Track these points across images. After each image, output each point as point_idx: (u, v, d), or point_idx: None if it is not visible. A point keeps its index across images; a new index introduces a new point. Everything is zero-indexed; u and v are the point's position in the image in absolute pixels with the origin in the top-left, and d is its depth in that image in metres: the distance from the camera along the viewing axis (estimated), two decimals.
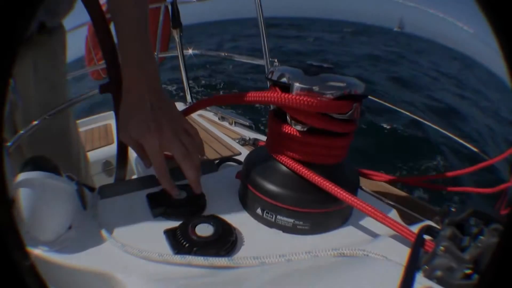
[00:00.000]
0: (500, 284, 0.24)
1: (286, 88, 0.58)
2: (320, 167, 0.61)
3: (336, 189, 0.57)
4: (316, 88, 0.55)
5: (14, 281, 0.26)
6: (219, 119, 1.97)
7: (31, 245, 0.55)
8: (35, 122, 1.11)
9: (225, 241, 0.55)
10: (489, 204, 0.53)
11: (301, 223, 0.60)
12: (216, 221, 0.59)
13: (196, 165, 0.65)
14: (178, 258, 0.51)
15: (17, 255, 0.27)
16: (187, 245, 0.54)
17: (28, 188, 0.51)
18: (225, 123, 1.91)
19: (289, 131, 0.60)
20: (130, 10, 0.67)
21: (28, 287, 0.27)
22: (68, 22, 1.30)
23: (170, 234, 0.57)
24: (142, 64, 0.67)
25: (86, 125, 2.10)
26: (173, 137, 0.64)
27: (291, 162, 0.61)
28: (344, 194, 0.56)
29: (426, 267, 0.45)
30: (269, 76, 0.61)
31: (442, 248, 0.45)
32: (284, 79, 0.58)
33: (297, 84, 0.56)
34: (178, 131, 0.66)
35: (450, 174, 0.99)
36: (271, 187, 0.61)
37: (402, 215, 0.88)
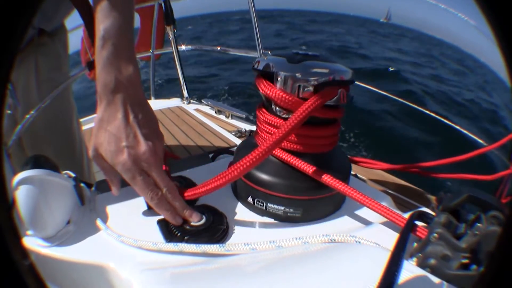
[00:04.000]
0: (504, 280, 0.23)
1: (270, 77, 0.58)
2: (310, 155, 0.61)
3: (326, 177, 0.57)
4: (299, 75, 0.55)
5: (14, 281, 0.27)
6: (215, 112, 1.98)
7: (31, 241, 0.56)
8: (29, 116, 1.12)
9: (216, 230, 0.56)
10: (488, 191, 0.52)
11: (291, 210, 0.61)
12: (207, 210, 0.60)
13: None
14: (171, 245, 0.52)
15: (17, 255, 0.27)
16: (178, 234, 0.55)
17: (28, 186, 0.53)
18: (222, 116, 1.92)
19: (275, 121, 0.60)
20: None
21: (28, 287, 0.27)
22: (68, 22, 1.30)
23: (163, 224, 0.58)
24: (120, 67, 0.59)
25: (85, 124, 2.11)
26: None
27: (280, 153, 0.61)
28: (334, 182, 0.56)
29: (420, 254, 0.44)
30: (255, 67, 0.61)
31: (435, 235, 0.44)
32: (268, 69, 0.58)
33: (281, 73, 0.57)
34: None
35: (447, 160, 0.99)
36: (260, 175, 0.61)
37: (398, 202, 0.89)
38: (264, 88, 0.58)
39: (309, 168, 0.58)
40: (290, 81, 0.56)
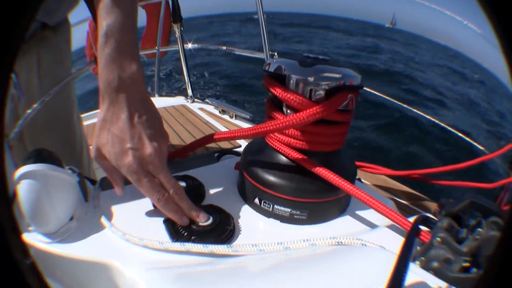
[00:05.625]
0: (503, 282, 0.24)
1: (282, 79, 0.59)
2: (318, 155, 0.61)
3: (334, 177, 0.57)
4: (311, 79, 0.56)
5: (15, 280, 0.27)
6: (219, 112, 1.98)
7: (32, 237, 0.56)
8: (32, 109, 1.11)
9: (223, 230, 0.56)
10: (488, 198, 0.53)
11: (298, 212, 0.61)
12: (214, 210, 0.60)
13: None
14: (178, 245, 0.52)
15: (17, 251, 0.27)
16: (185, 233, 0.55)
17: (31, 180, 0.52)
18: (226, 116, 1.93)
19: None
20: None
21: (29, 286, 0.27)
22: (72, 16, 1.29)
23: (169, 223, 0.58)
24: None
25: (88, 119, 2.11)
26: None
27: (288, 151, 0.61)
28: (342, 182, 0.57)
29: (423, 258, 0.45)
30: (266, 68, 0.62)
31: (438, 239, 0.45)
32: (280, 71, 0.59)
33: (293, 76, 0.57)
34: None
35: (449, 167, 1.00)
36: (268, 177, 0.62)
37: (400, 207, 0.89)
38: (277, 90, 0.59)
39: (315, 167, 0.59)
40: (302, 84, 0.57)
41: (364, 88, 0.61)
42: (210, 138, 0.72)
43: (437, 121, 1.93)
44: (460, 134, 1.78)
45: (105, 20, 0.56)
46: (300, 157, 0.60)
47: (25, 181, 0.52)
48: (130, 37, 0.58)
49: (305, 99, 0.57)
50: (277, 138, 0.62)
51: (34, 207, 0.53)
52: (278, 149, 0.63)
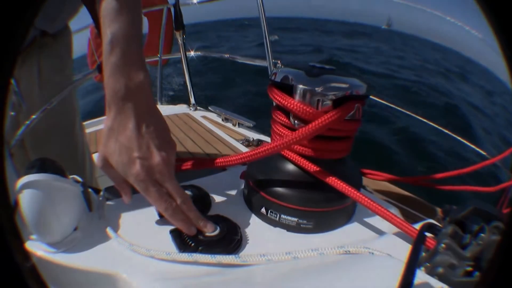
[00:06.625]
0: (501, 283, 0.24)
1: (289, 90, 0.59)
2: (325, 163, 0.61)
3: (344, 186, 0.58)
4: (318, 89, 0.57)
5: (15, 283, 0.27)
6: (222, 120, 1.98)
7: (35, 246, 0.55)
8: (35, 116, 1.11)
9: (230, 240, 0.56)
10: (490, 202, 0.54)
11: (305, 221, 0.61)
12: (221, 220, 0.60)
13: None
14: (186, 256, 0.52)
15: (18, 257, 0.27)
16: (192, 244, 0.55)
17: (34, 190, 0.51)
18: (229, 124, 1.93)
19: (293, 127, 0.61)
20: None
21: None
22: (73, 23, 1.30)
23: (176, 234, 0.57)
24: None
25: (91, 127, 2.10)
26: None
27: (298, 158, 0.61)
28: (353, 191, 0.57)
29: (428, 264, 0.46)
30: (273, 78, 0.62)
31: (443, 245, 0.46)
32: (287, 81, 0.59)
33: (300, 86, 0.58)
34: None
35: (451, 173, 1.00)
36: (275, 187, 0.62)
37: (404, 213, 0.89)
38: (284, 100, 0.59)
39: (326, 176, 0.59)
40: (309, 94, 0.57)
41: (370, 97, 0.61)
42: (212, 162, 0.68)
43: (438, 127, 1.93)
44: (462, 140, 1.78)
45: (110, 28, 0.55)
46: (310, 165, 0.60)
47: (28, 191, 0.51)
48: (136, 45, 0.58)
49: (313, 109, 0.57)
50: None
51: (37, 217, 0.52)
52: (287, 156, 0.63)
